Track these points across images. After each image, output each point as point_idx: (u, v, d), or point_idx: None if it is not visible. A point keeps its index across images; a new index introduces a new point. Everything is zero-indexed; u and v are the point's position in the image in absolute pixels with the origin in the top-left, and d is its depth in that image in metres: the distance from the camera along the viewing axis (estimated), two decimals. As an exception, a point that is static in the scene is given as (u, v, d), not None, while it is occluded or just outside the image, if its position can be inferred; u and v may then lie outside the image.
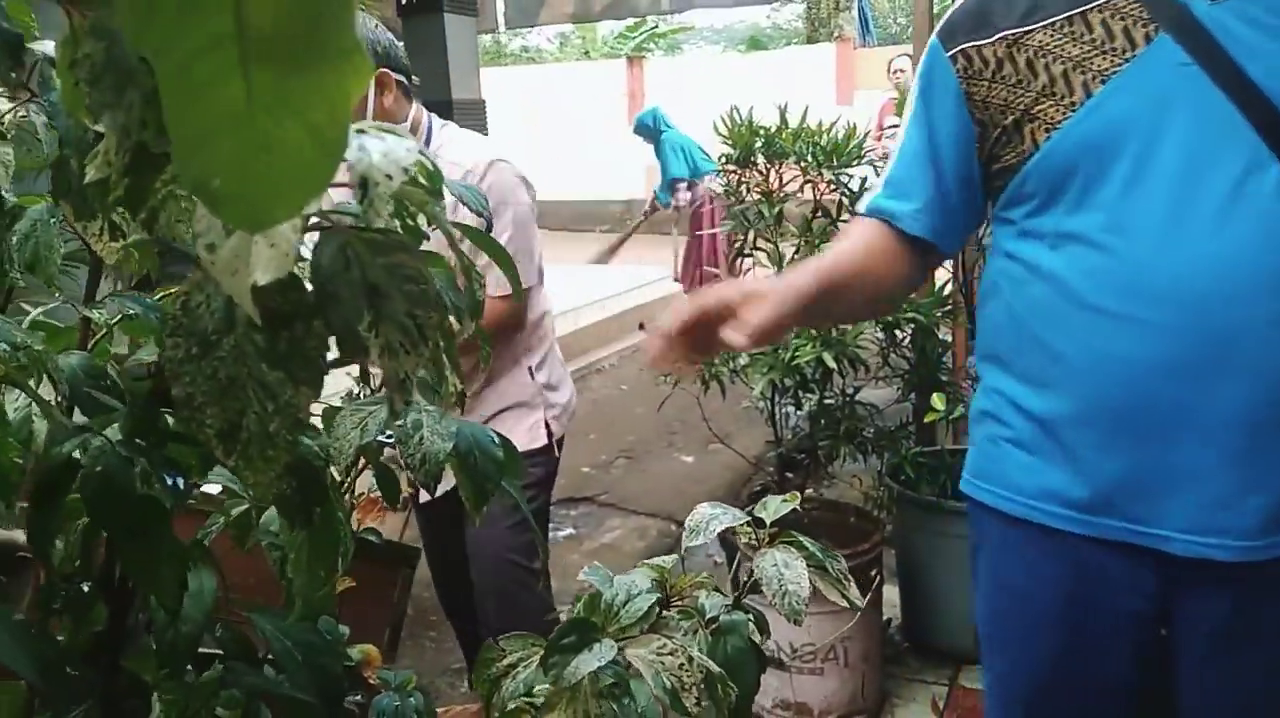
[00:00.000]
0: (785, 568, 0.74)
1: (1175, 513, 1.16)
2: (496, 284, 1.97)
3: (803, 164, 2.91)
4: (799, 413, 3.23)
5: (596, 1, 9.29)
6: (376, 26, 1.98)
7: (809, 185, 2.97)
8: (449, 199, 0.68)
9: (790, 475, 3.46)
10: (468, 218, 1.13)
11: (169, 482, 0.49)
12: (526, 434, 2.22)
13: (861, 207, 1.38)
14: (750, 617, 0.77)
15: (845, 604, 0.79)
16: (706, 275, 7.62)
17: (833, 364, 2.77)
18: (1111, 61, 1.13)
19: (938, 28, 1.29)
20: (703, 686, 0.63)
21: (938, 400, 2.67)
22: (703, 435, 3.91)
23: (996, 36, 1.21)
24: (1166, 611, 1.23)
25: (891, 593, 3.21)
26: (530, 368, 2.25)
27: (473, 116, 7.40)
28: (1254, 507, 1.14)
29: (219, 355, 0.38)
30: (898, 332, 3.01)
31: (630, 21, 18.02)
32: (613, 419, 5.59)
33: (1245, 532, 1.14)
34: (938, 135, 1.28)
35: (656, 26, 18.85)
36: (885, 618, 3.12)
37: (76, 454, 0.46)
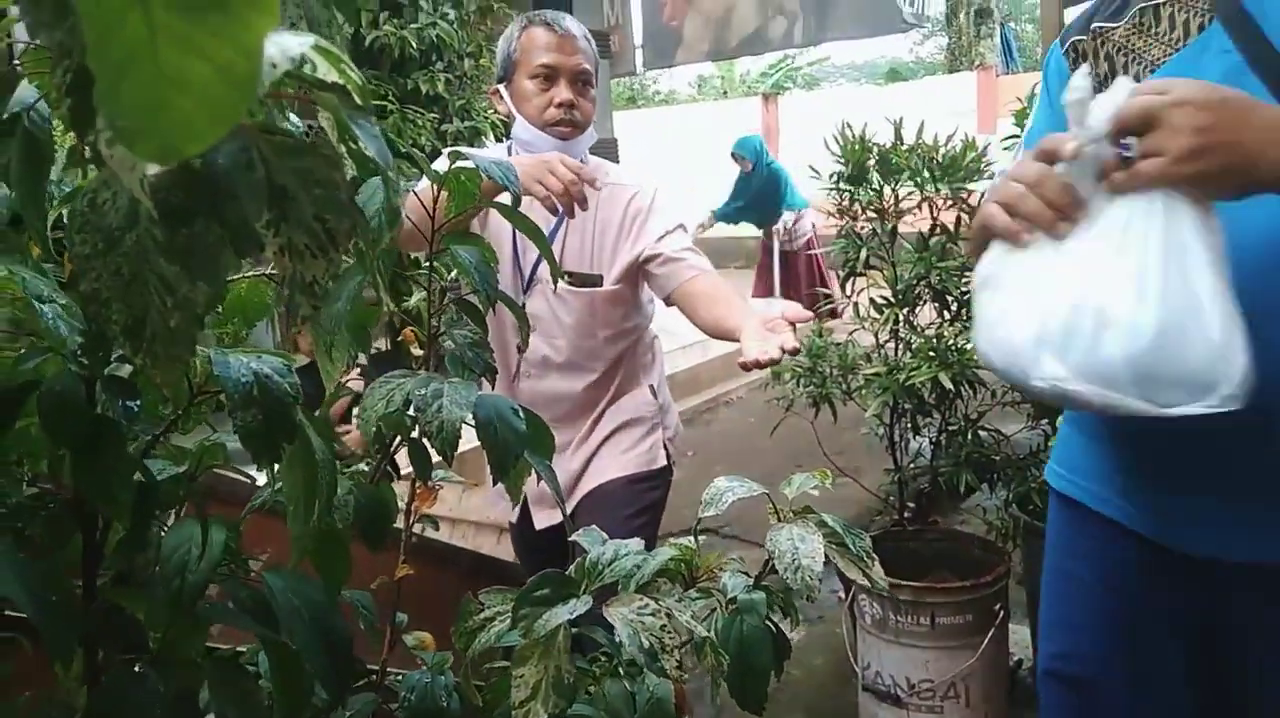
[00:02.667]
0: (800, 542, 0.69)
1: (1195, 509, 1.14)
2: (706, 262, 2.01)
3: (918, 180, 2.82)
4: (920, 440, 3.11)
5: (731, 38, 9.39)
6: None
7: (926, 203, 2.88)
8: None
9: (913, 507, 3.32)
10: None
11: (121, 404, 0.51)
12: (648, 454, 2.17)
13: (987, 192, 1.39)
14: (769, 597, 0.73)
15: (868, 584, 0.74)
16: (814, 296, 7.71)
17: (950, 386, 2.65)
18: (1164, 51, 1.15)
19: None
20: (689, 650, 0.60)
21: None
22: (831, 468, 3.81)
23: (1091, 29, 1.25)
24: (1224, 608, 1.17)
25: (1022, 633, 3.02)
26: (651, 386, 2.24)
27: (607, 156, 7.57)
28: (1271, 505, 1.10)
29: (122, 251, 0.39)
30: (1023, 352, 2.86)
31: (768, 61, 18.09)
32: (740, 451, 5.53)
33: (1260, 538, 1.11)
34: (1056, 120, 1.29)
35: (793, 62, 18.85)
36: (1015, 659, 2.94)
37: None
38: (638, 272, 2.04)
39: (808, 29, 8.94)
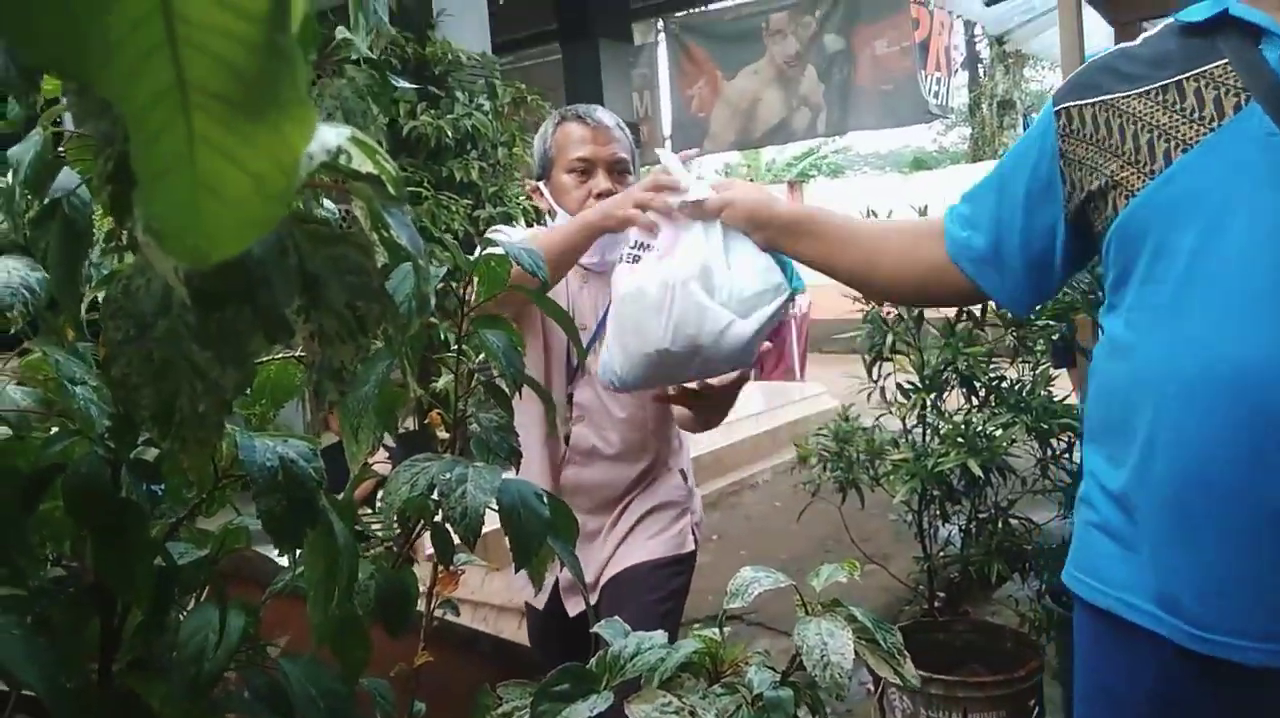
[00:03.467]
0: (829, 638, 0.67)
1: (1244, 617, 1.07)
2: None
3: (944, 265, 2.83)
4: (949, 528, 3.05)
5: (756, 129, 9.59)
6: None
7: (952, 288, 2.88)
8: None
9: (943, 596, 3.24)
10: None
11: (145, 487, 0.51)
12: (676, 538, 2.13)
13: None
14: (797, 693, 0.70)
15: (899, 682, 0.71)
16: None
17: (979, 473, 2.61)
18: (1196, 130, 1.11)
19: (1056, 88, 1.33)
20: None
21: (1097, 512, 2.44)
22: (858, 554, 3.74)
23: (1097, 99, 1.21)
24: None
25: (1060, 731, 2.91)
26: (682, 470, 2.22)
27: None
28: None
29: (154, 337, 0.39)
30: (1054, 440, 2.82)
31: (793, 150, 18.41)
32: (765, 535, 5.45)
33: None
34: (1011, 183, 1.31)
35: (818, 150, 19.16)
36: (1052, 759, 2.82)
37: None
38: None
39: (831, 120, 9.12)
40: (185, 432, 0.39)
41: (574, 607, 2.13)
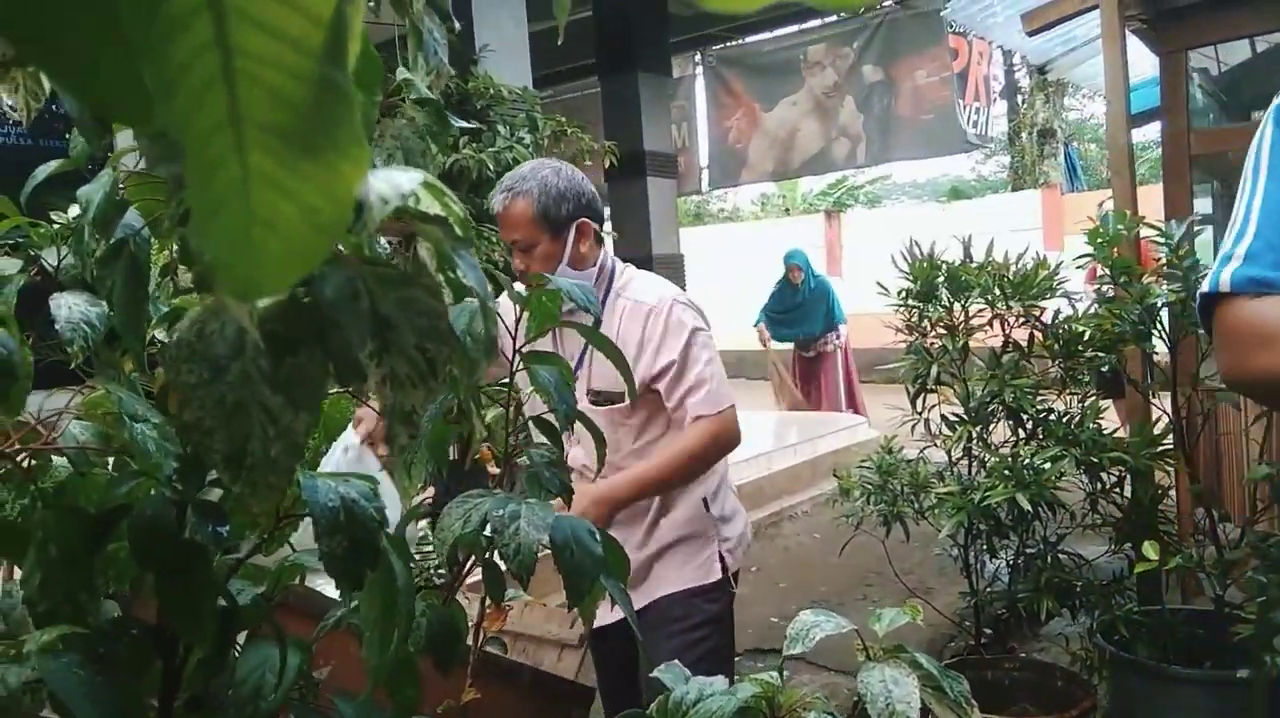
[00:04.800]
0: (894, 685, 0.65)
1: None
2: (706, 402, 2.04)
3: (989, 297, 2.79)
4: (996, 562, 2.99)
5: (794, 159, 9.61)
6: (583, 179, 2.15)
7: (997, 319, 2.85)
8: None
9: (990, 632, 3.17)
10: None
11: (210, 528, 0.51)
12: (700, 569, 2.15)
13: (1224, 283, 1.19)
14: (859, 740, 0.69)
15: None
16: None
17: (1028, 507, 2.56)
18: None
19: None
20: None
21: (1150, 549, 2.38)
22: (900, 588, 3.68)
23: None
24: None
25: (1114, 774, 2.83)
26: (705, 498, 2.21)
27: (672, 269, 7.73)
28: None
29: (227, 381, 0.39)
30: (1104, 474, 2.76)
31: (830, 180, 18.39)
32: (805, 568, 5.37)
33: None
34: None
35: (855, 180, 19.13)
36: (1106, 803, 2.74)
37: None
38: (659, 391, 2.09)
39: (871, 150, 9.12)
40: (257, 476, 0.39)
41: (603, 618, 2.16)
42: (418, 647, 0.80)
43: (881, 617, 0.75)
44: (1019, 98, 14.92)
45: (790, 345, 8.72)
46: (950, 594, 4.06)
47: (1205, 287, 1.20)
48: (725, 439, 2.07)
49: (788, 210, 19.33)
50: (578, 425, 2.16)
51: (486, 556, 0.86)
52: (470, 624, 1.06)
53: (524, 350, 0.90)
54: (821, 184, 19.22)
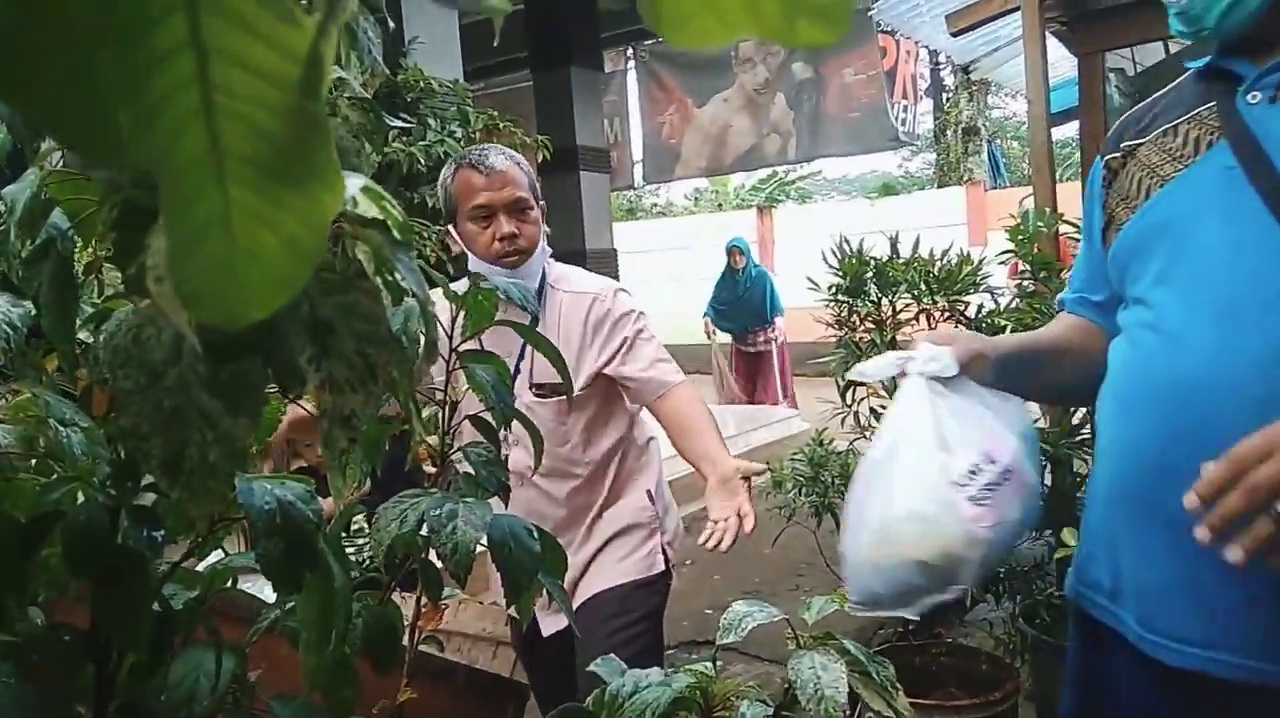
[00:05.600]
0: (823, 672, 0.68)
1: (1170, 619, 1.13)
2: (674, 370, 2.06)
3: (916, 292, 2.87)
4: (923, 551, 3.07)
5: (727, 155, 9.70)
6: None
7: (923, 314, 2.92)
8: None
9: (917, 619, 3.25)
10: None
11: (145, 534, 0.50)
12: (646, 560, 2.14)
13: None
14: (791, 727, 0.71)
15: (891, 714, 0.72)
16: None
17: (953, 496, 2.64)
18: (1174, 168, 1.21)
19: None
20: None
21: (1069, 536, 2.47)
22: (832, 577, 3.76)
23: (1120, 147, 1.31)
24: None
25: (1037, 754, 2.93)
26: (649, 491, 2.22)
27: (605, 265, 7.74)
28: (1257, 624, 1.07)
29: (165, 386, 0.39)
30: (1026, 464, 2.85)
31: (762, 176, 18.58)
32: (738, 560, 5.43)
33: (1245, 648, 1.08)
34: (1091, 230, 1.38)
35: (786, 176, 19.35)
36: (1030, 782, 2.83)
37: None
38: (608, 380, 2.08)
39: (801, 146, 9.25)
40: (195, 481, 0.39)
41: (549, 627, 2.14)
42: (354, 648, 0.80)
43: (811, 606, 0.77)
44: (944, 96, 15.25)
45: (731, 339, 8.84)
46: (880, 583, 4.15)
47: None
48: (702, 401, 2.11)
49: (720, 205, 19.49)
50: (517, 427, 2.15)
51: (424, 555, 0.87)
52: (406, 624, 1.06)
53: (460, 349, 0.90)
54: (753, 179, 19.41)
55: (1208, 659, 1.10)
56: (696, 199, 21.67)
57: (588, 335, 2.06)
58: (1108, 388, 1.25)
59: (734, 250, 8.74)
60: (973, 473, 1.03)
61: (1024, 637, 2.80)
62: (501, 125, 4.77)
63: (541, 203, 2.10)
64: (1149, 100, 1.37)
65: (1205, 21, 1.17)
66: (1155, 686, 1.17)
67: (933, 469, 1.04)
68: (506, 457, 2.07)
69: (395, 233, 0.43)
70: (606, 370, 2.05)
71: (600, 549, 2.14)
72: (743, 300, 8.50)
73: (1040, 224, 2.79)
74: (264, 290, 0.30)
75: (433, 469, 0.92)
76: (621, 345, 2.04)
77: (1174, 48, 4.43)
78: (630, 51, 9.87)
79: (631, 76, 9.91)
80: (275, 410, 0.88)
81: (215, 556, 0.79)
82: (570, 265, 2.27)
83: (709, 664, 0.76)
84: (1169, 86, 1.35)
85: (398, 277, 0.47)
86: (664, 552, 2.18)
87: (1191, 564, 1.09)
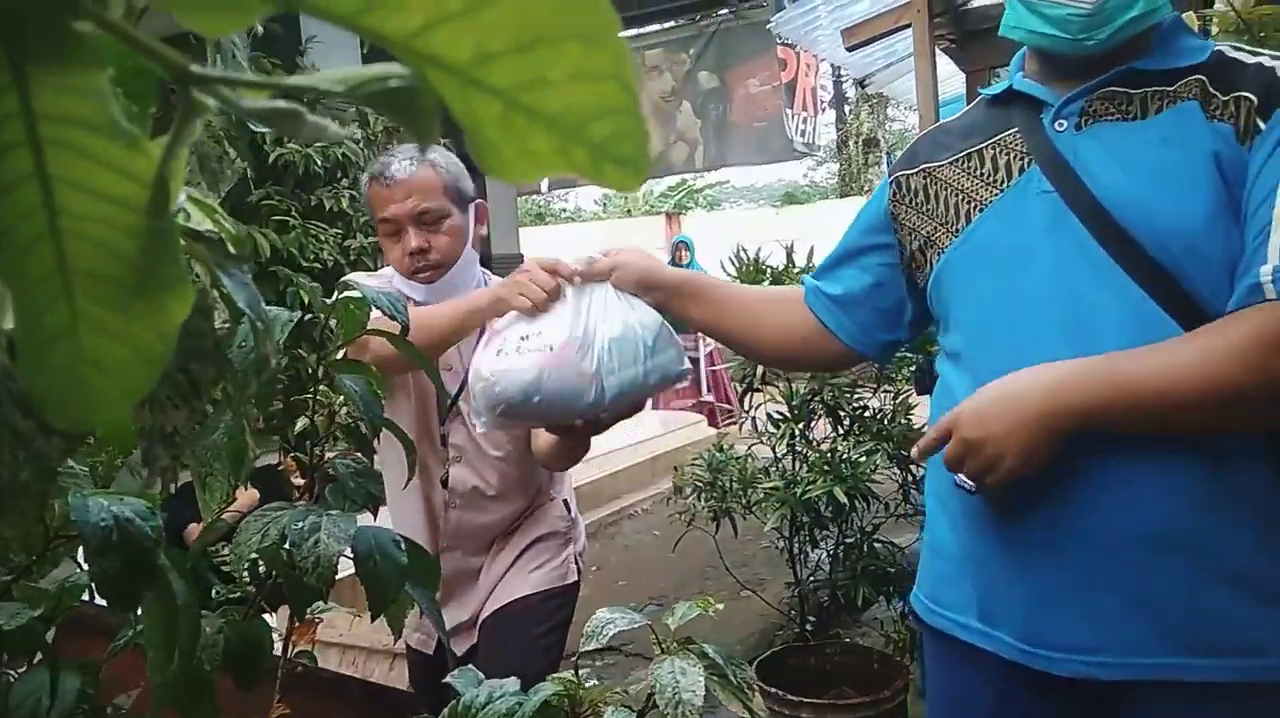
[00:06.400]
0: (681, 676, 0.69)
1: (1054, 629, 1.15)
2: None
3: (810, 300, 2.93)
4: (818, 553, 3.14)
5: (634, 161, 9.73)
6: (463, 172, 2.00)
7: (818, 321, 2.99)
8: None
9: (814, 620, 3.33)
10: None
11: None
12: (559, 570, 2.08)
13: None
14: (653, 731, 0.72)
15: (747, 715, 0.74)
16: (721, 411, 8.38)
17: (844, 499, 2.71)
18: (991, 192, 1.24)
19: None
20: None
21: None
22: (735, 581, 3.81)
23: (919, 168, 1.35)
24: None
25: (926, 748, 3.02)
26: (565, 501, 2.20)
27: (511, 270, 7.67)
28: (1137, 625, 1.11)
29: (-27, 403, 0.38)
30: (913, 466, 2.95)
31: (671, 182, 18.72)
32: (644, 566, 5.47)
33: (1125, 648, 1.12)
34: (849, 241, 1.46)
35: (694, 183, 19.54)
36: (919, 776, 2.93)
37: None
38: None
39: (708, 155, 9.36)
40: (6, 501, 0.38)
41: (460, 645, 2.10)
42: (215, 665, 0.78)
43: (675, 611, 0.79)
44: (846, 108, 15.64)
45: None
46: (781, 585, 4.23)
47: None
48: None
49: (629, 212, 19.55)
50: (461, 443, 2.08)
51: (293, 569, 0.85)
52: (279, 638, 1.04)
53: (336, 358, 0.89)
54: (662, 186, 19.55)
55: (1094, 664, 1.12)
56: (606, 205, 21.71)
57: None
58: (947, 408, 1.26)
59: (680, 246, 9.03)
60: (523, 339, 1.46)
61: (913, 634, 2.89)
62: (403, 128, 4.70)
63: (480, 203, 1.98)
64: (940, 124, 1.42)
65: (1103, 30, 1.15)
66: (1036, 699, 1.18)
67: (514, 335, 1.47)
68: (446, 475, 2.03)
69: (230, 246, 0.43)
70: None
71: (516, 560, 2.10)
72: None
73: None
74: (111, 397, 0.32)
75: (301, 481, 0.91)
76: None
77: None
78: (537, 56, 9.83)
79: (539, 81, 9.87)
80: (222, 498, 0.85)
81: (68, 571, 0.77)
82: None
83: (577, 673, 0.77)
84: (961, 113, 1.40)
85: (230, 292, 0.46)
86: (576, 562, 2.17)
87: (1072, 574, 1.13)
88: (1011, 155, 1.23)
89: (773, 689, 2.60)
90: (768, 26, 5.36)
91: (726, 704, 0.73)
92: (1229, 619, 1.10)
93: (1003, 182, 1.23)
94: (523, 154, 0.29)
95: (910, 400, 3.06)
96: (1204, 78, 1.16)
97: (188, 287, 0.33)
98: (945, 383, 1.30)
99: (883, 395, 3.07)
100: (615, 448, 6.72)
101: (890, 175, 1.40)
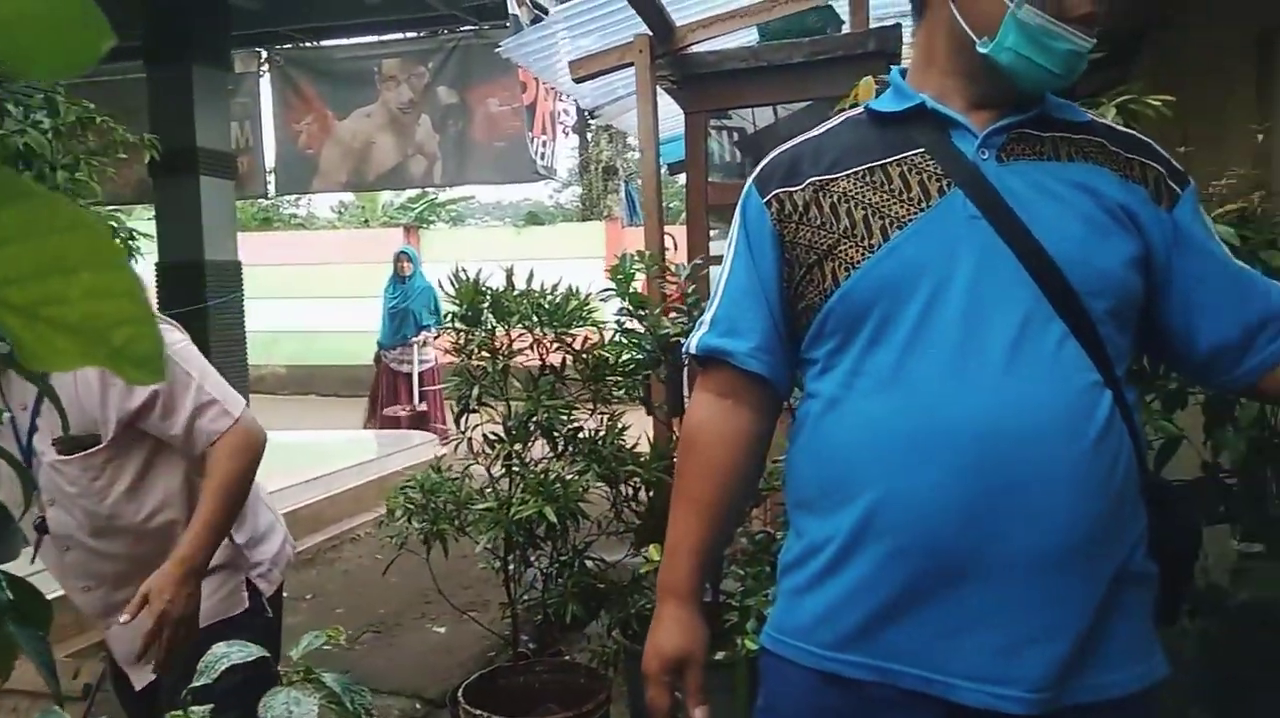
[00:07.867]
0: (295, 706, 0.69)
1: (962, 659, 1.14)
2: (221, 416, 1.87)
3: (527, 323, 2.98)
4: (531, 572, 3.18)
5: (370, 171, 9.44)
6: None
7: (536, 344, 3.04)
8: None
9: (526, 639, 3.36)
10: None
11: None
12: (226, 601, 2.00)
13: (691, 346, 1.38)
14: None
15: (371, 742, 0.75)
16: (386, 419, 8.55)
17: (554, 519, 2.77)
18: (909, 210, 1.21)
19: (753, 175, 1.37)
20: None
21: (654, 551, 2.70)
22: (458, 603, 3.76)
23: (806, 183, 1.28)
24: None
25: (632, 758, 3.12)
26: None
27: (228, 278, 7.20)
28: (1043, 656, 1.13)
29: None
30: (623, 485, 3.06)
31: (412, 194, 18.32)
32: (364, 591, 5.27)
33: (1034, 682, 1.12)
34: (763, 273, 1.32)
35: (437, 197, 19.24)
36: (623, 786, 3.02)
37: None
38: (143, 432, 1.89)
39: (447, 170, 9.27)
40: None
41: (140, 680, 1.97)
42: None
43: (300, 643, 0.78)
44: (589, 134, 16.04)
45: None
46: (499, 607, 4.23)
47: (688, 346, 1.41)
48: (256, 442, 1.91)
49: (367, 222, 18.92)
50: (52, 484, 1.91)
51: None
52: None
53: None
54: (403, 198, 19.09)
55: (1000, 697, 1.12)
56: (342, 212, 20.88)
57: (108, 376, 1.83)
58: (862, 440, 1.20)
59: (401, 258, 8.92)
60: None
61: (619, 648, 2.99)
62: (99, 120, 4.30)
63: None
64: (804, 140, 1.35)
65: (1078, 70, 1.18)
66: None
67: None
68: (43, 518, 1.87)
69: None
70: (142, 425, 1.86)
71: None
72: (405, 309, 8.62)
73: (639, 266, 3.02)
74: None
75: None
76: (152, 397, 1.83)
77: (783, 113, 4.95)
78: (265, 54, 9.34)
79: (265, 80, 9.37)
80: None
81: None
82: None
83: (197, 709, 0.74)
84: (824, 128, 1.35)
85: None
86: (252, 585, 2.06)
87: (998, 608, 1.13)
88: (925, 176, 1.21)
89: (477, 712, 2.60)
90: (496, 50, 5.39)
91: (349, 732, 0.74)
92: (1119, 629, 1.15)
93: (919, 200, 1.21)
94: (51, 351, 0.35)
95: (624, 422, 3.18)
96: (1102, 139, 1.23)
97: None
98: (838, 405, 1.24)
99: (600, 417, 3.17)
100: (337, 469, 6.46)
101: (765, 196, 1.31)
